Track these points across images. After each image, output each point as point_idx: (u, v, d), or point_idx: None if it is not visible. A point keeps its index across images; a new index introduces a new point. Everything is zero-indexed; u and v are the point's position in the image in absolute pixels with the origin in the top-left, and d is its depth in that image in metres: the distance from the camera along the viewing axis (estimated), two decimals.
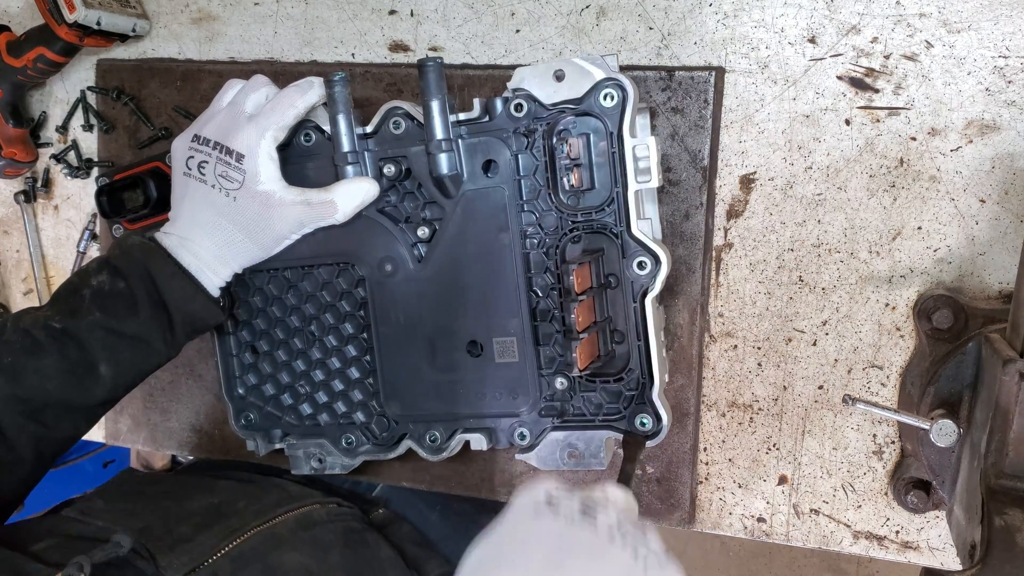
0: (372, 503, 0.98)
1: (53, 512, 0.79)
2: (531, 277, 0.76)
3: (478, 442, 0.79)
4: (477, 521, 0.99)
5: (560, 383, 0.77)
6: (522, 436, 0.79)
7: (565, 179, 0.73)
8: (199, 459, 1.09)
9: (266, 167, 0.74)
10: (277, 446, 0.87)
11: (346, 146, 0.76)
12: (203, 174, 0.75)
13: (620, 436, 0.76)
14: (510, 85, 0.73)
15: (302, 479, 0.94)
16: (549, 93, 0.72)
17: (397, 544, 0.90)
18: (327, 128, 0.78)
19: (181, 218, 0.77)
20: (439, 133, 0.73)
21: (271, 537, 0.79)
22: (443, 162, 0.74)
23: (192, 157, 0.75)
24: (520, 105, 0.73)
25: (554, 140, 0.73)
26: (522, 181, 0.74)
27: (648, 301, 0.73)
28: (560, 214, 0.74)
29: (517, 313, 0.76)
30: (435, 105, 0.73)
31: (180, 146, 0.77)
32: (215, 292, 0.77)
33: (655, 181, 0.71)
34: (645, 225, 0.72)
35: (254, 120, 0.74)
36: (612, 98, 0.70)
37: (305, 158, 0.79)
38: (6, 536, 0.69)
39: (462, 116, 0.74)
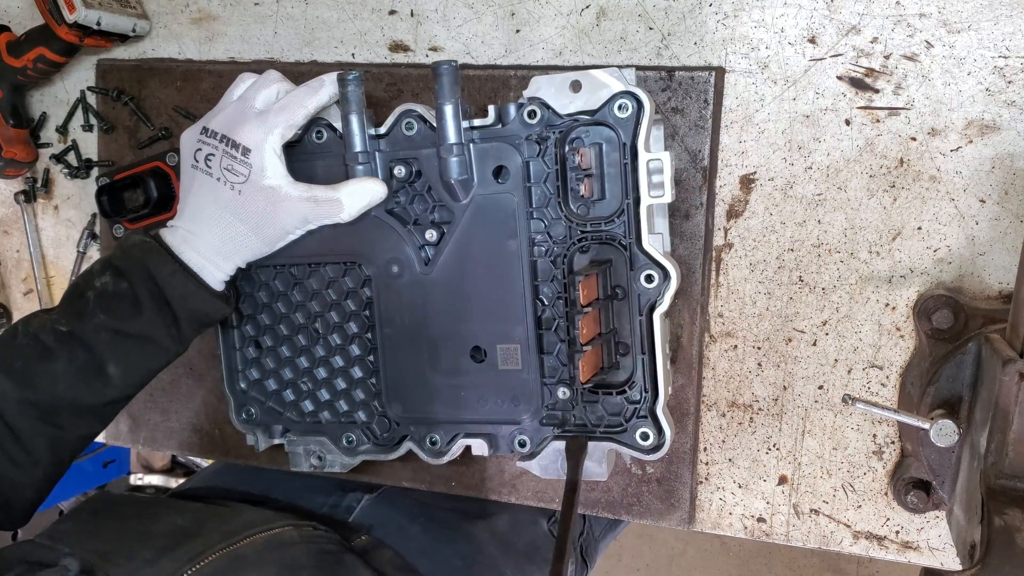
0: (353, 529, 0.95)
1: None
2: (537, 285, 0.76)
3: (479, 447, 0.79)
4: (460, 528, 0.98)
5: (562, 392, 0.77)
6: (522, 443, 0.79)
7: (576, 188, 0.72)
8: (192, 486, 1.08)
9: (272, 162, 0.73)
10: (277, 441, 0.87)
11: (357, 146, 0.76)
12: (209, 167, 0.74)
13: (621, 448, 0.76)
14: (525, 93, 0.73)
15: (280, 506, 0.93)
16: (564, 103, 0.71)
17: (378, 568, 0.87)
18: (339, 126, 0.77)
19: (186, 211, 0.76)
20: (452, 137, 0.73)
21: (236, 559, 0.77)
22: (454, 166, 0.73)
23: (200, 149, 0.75)
24: (534, 112, 0.72)
25: (566, 149, 0.72)
26: (532, 188, 0.74)
27: (656, 316, 0.72)
28: (569, 223, 0.74)
29: (522, 320, 0.76)
30: (449, 109, 0.72)
31: (189, 138, 0.77)
32: (219, 286, 0.77)
33: (668, 196, 0.70)
34: (656, 240, 0.72)
35: (263, 116, 0.74)
36: (627, 109, 0.70)
37: (315, 155, 0.79)
38: None
39: (476, 122, 0.74)
